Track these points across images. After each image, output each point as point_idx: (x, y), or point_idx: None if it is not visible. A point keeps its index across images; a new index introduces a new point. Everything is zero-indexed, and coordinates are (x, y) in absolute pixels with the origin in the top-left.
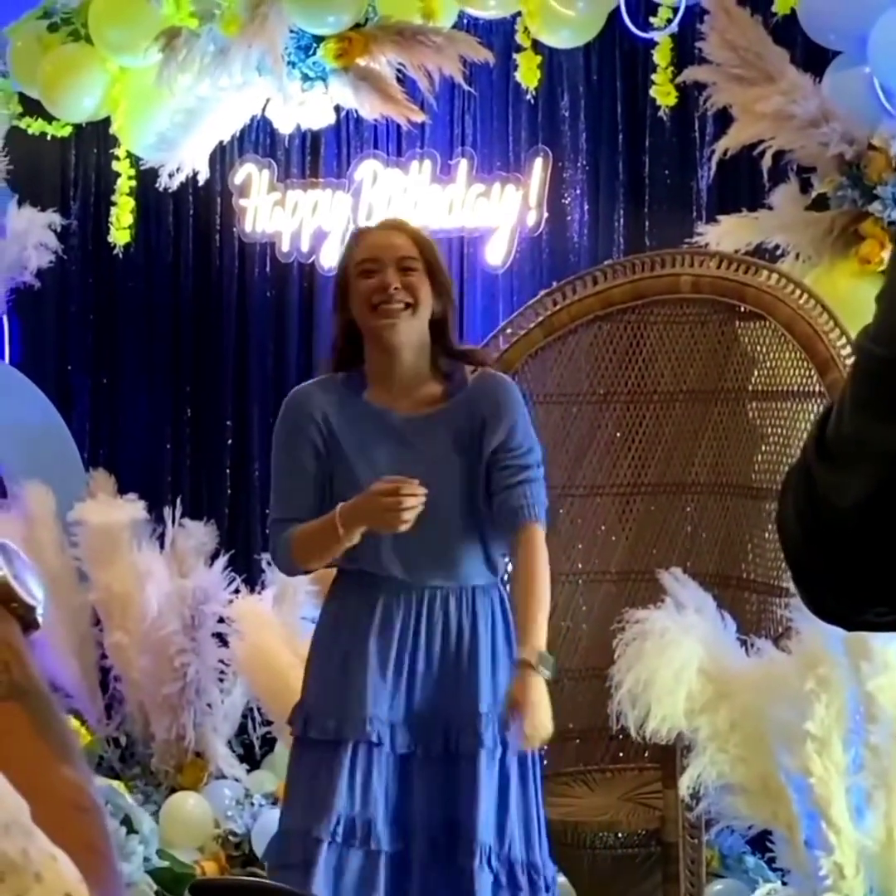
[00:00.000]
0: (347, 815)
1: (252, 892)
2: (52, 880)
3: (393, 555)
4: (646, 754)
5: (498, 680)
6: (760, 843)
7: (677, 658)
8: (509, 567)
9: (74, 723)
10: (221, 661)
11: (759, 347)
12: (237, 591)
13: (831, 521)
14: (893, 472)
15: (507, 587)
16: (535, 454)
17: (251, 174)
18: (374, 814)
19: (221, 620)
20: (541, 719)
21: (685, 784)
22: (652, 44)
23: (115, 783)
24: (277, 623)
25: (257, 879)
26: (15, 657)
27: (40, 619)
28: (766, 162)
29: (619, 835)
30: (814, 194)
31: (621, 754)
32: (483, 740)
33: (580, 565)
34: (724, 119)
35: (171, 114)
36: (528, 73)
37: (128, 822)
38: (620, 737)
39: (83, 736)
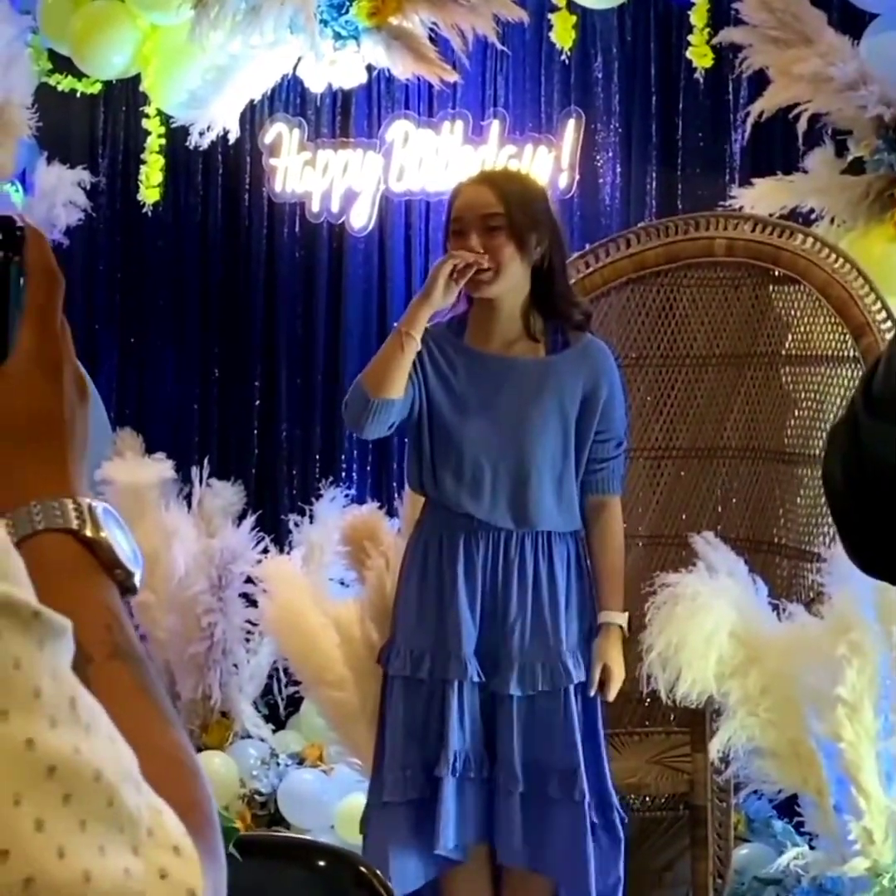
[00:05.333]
0: (462, 751)
1: (296, 849)
2: (160, 835)
3: (471, 494)
4: (672, 718)
5: (571, 622)
6: (788, 807)
7: (708, 622)
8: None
9: None
10: (248, 621)
11: (792, 311)
12: (265, 551)
13: (877, 474)
14: None
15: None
16: (623, 426)
17: (281, 133)
18: (481, 748)
19: (249, 580)
20: (621, 677)
21: (715, 748)
22: (688, 5)
23: None
24: (306, 583)
25: (300, 837)
26: (115, 621)
27: (138, 586)
28: (802, 125)
29: (648, 798)
30: (850, 158)
31: (649, 720)
32: (572, 676)
33: None
34: (759, 81)
35: (202, 72)
36: (562, 34)
37: None
38: (649, 700)
39: None
